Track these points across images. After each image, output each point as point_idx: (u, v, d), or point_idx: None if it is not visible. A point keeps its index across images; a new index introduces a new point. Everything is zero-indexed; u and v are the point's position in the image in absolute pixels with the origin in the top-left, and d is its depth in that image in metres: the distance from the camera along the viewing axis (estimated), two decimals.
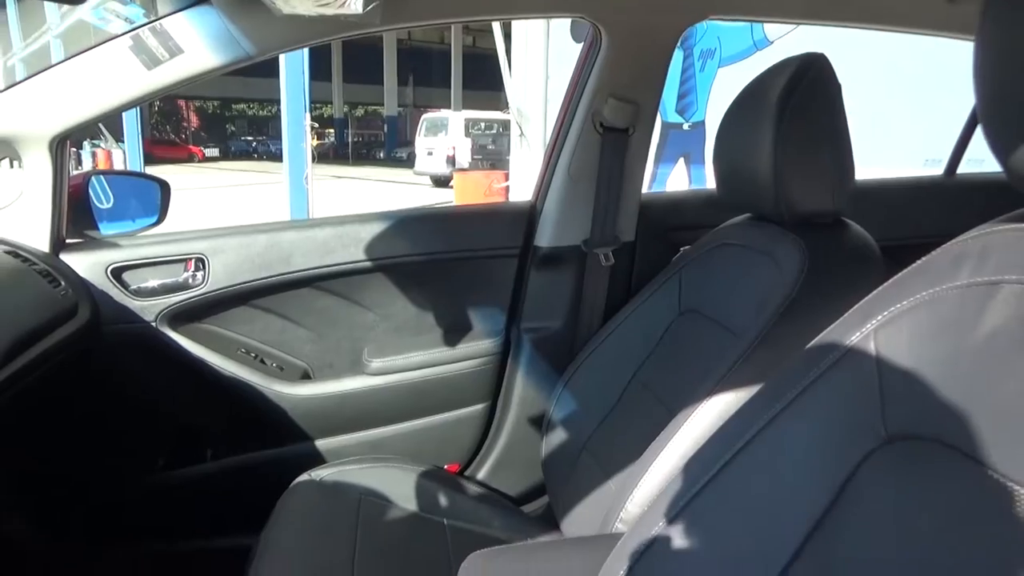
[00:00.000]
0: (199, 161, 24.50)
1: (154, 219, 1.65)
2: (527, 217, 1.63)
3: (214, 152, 27.86)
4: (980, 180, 1.74)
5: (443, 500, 1.43)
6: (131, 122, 14.02)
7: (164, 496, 1.60)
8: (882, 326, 0.56)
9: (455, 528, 1.36)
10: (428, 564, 1.25)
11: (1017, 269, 0.49)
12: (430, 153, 16.69)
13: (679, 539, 0.63)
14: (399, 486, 1.42)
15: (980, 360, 0.48)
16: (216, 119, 35.73)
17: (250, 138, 32.27)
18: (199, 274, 1.54)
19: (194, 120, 34.75)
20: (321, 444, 1.61)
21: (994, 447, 0.44)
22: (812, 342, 0.62)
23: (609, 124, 1.50)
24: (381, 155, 27.24)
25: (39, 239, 1.44)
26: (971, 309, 0.50)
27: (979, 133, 0.53)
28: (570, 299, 1.59)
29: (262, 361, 1.62)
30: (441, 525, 1.37)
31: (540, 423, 1.54)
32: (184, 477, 1.59)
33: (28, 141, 1.35)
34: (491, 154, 15.31)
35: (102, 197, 1.64)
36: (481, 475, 1.65)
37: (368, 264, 1.57)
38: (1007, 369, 0.46)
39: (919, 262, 0.57)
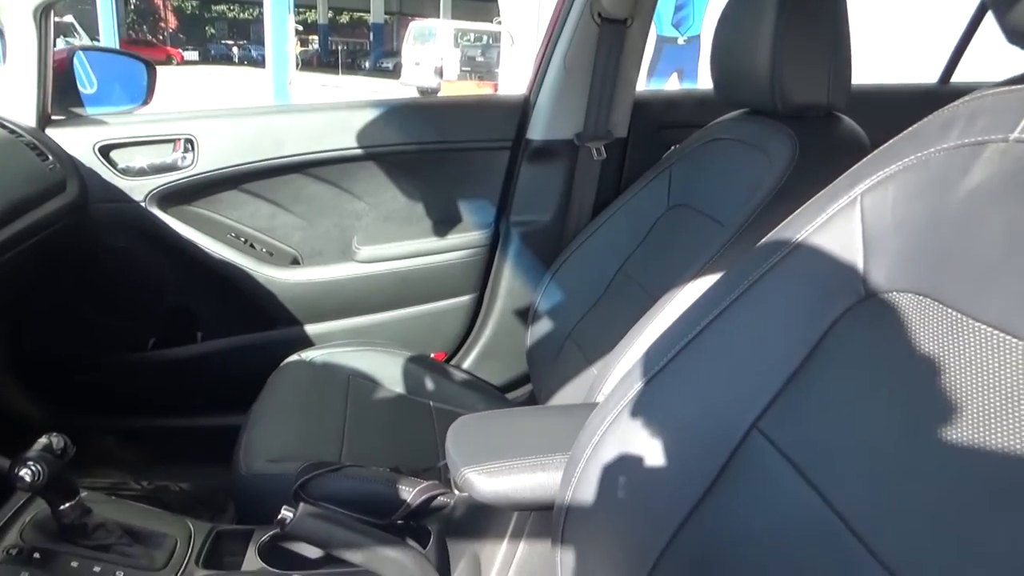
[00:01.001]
0: (177, 64, 23.68)
1: (140, 101, 1.62)
2: (520, 110, 1.62)
3: (193, 56, 26.89)
4: (974, 88, 1.73)
5: (429, 384, 1.47)
6: (107, 18, 13.49)
7: (156, 375, 1.63)
8: (869, 190, 0.58)
9: (440, 410, 1.41)
10: (414, 438, 1.30)
11: (1003, 128, 0.50)
12: (417, 64, 16.26)
13: (658, 393, 0.67)
14: (386, 369, 1.45)
15: (962, 215, 0.50)
16: (195, 20, 34.38)
17: (231, 42, 31.14)
18: (188, 155, 1.52)
19: (172, 20, 33.42)
20: (310, 329, 1.64)
21: (974, 297, 0.46)
22: (801, 208, 0.64)
23: (608, 15, 1.47)
24: (366, 65, 26.45)
25: (24, 113, 1.41)
26: (957, 168, 0.51)
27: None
28: (560, 193, 1.59)
29: (252, 246, 1.62)
30: (427, 407, 1.41)
31: (526, 315, 1.57)
32: (175, 357, 1.62)
33: (11, 8, 1.31)
34: (480, 66, 14.94)
35: (86, 82, 1.61)
36: (467, 364, 1.70)
37: (360, 152, 1.57)
38: (986, 222, 0.48)
39: (909, 128, 0.59)
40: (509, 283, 1.63)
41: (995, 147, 0.50)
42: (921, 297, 0.50)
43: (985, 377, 0.43)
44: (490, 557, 0.80)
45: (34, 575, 0.77)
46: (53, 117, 1.47)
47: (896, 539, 0.43)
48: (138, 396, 1.64)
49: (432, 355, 1.67)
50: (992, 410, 0.41)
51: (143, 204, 1.50)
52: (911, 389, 0.48)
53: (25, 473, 0.76)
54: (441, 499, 0.99)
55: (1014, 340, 0.42)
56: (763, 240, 0.66)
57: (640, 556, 0.62)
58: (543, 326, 1.48)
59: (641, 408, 0.67)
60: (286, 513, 0.78)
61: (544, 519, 0.78)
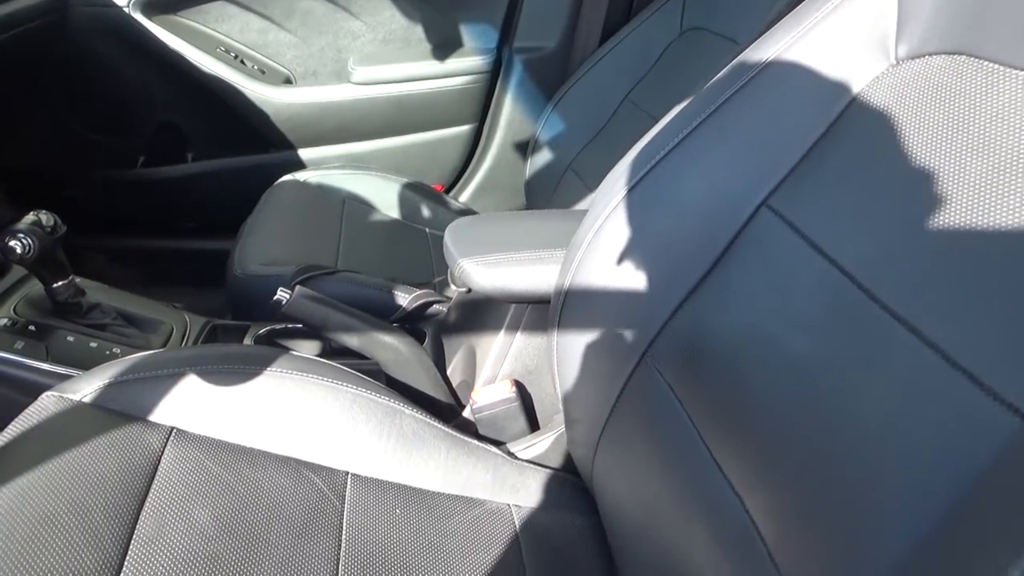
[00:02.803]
0: None
1: None
2: None
3: None
4: None
5: (426, 211, 1.45)
6: None
7: (146, 194, 1.60)
8: None
9: (436, 236, 1.39)
10: (409, 259, 1.29)
11: None
12: None
13: (665, 176, 0.64)
14: (383, 194, 1.43)
15: None
16: None
17: None
18: None
19: None
20: (303, 153, 1.60)
21: (1015, 46, 0.43)
22: None
23: None
24: None
25: None
26: None
27: None
28: (567, 17, 1.51)
29: (242, 62, 1.55)
30: (423, 232, 1.40)
31: (526, 148, 1.53)
32: (166, 176, 1.59)
33: None
34: None
35: None
36: (463, 198, 1.67)
37: None
38: None
39: None
40: (510, 113, 1.58)
41: None
42: (955, 56, 0.47)
43: (1020, 121, 0.41)
44: (486, 349, 0.81)
45: (30, 344, 0.77)
46: None
47: (904, 289, 0.42)
48: (128, 216, 1.61)
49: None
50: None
51: (126, 9, 1.41)
52: (936, 147, 0.46)
53: (15, 245, 0.75)
54: (436, 306, 1.00)
55: None
56: (788, 14, 0.62)
57: (635, 339, 0.62)
58: (543, 157, 1.45)
59: (646, 191, 0.65)
60: (282, 294, 0.78)
61: (541, 311, 0.78)
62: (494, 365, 0.80)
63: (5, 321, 0.79)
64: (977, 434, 0.34)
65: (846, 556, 0.38)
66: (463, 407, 0.83)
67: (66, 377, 0.66)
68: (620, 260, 0.64)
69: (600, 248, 0.66)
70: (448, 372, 0.87)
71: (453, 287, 0.83)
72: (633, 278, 0.63)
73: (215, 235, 1.59)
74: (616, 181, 0.68)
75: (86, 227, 1.62)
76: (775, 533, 0.44)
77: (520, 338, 0.79)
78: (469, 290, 0.82)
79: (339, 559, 0.58)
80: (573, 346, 0.68)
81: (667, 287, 0.60)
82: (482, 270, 0.75)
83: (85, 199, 1.58)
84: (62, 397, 0.63)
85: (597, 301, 0.66)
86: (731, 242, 0.57)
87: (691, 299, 0.59)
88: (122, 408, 0.64)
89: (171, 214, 1.63)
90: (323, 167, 1.46)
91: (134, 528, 0.55)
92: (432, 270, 1.25)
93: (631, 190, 0.66)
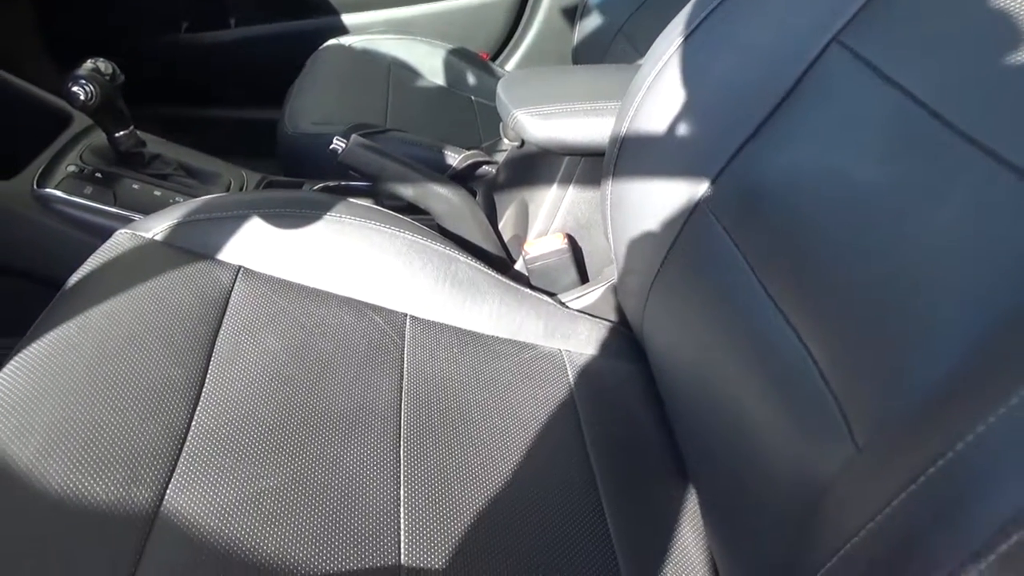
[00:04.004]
0: None
1: None
2: None
3: None
4: None
5: (471, 78, 1.43)
6: None
7: (190, 61, 1.59)
8: None
9: (482, 105, 1.38)
10: (456, 125, 1.28)
11: None
12: None
13: (729, 18, 0.63)
14: (427, 60, 1.41)
15: None
16: None
17: None
18: None
19: None
20: (346, 19, 1.56)
21: None
22: None
23: None
24: None
25: None
26: None
27: None
28: None
29: None
30: (469, 100, 1.38)
31: (574, 13, 1.48)
32: (209, 41, 1.57)
33: None
34: None
35: None
36: (509, 66, 1.64)
37: None
38: None
39: None
40: None
41: None
42: None
43: None
44: (538, 203, 0.81)
45: (97, 191, 0.80)
46: None
47: (979, 114, 0.42)
48: (173, 82, 1.61)
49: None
50: None
51: None
52: None
53: (78, 91, 0.76)
54: (485, 167, 1.00)
55: None
56: None
57: (692, 184, 0.62)
58: (592, 21, 1.40)
59: (708, 34, 0.63)
60: (338, 143, 0.79)
61: (594, 164, 0.78)
62: (546, 219, 0.81)
63: (73, 168, 0.81)
64: None
65: (895, 372, 0.39)
66: (514, 262, 0.85)
67: (134, 221, 0.69)
68: (679, 105, 0.63)
69: (658, 93, 0.65)
70: (500, 227, 0.88)
71: (506, 141, 0.83)
72: (692, 122, 0.63)
73: (261, 104, 1.59)
74: (675, 26, 0.66)
75: (131, 96, 1.63)
76: (829, 357, 0.45)
77: (572, 191, 0.79)
78: (522, 144, 0.81)
79: (402, 388, 0.62)
80: (628, 195, 0.69)
81: (727, 130, 0.60)
82: (537, 121, 0.74)
83: (130, 66, 1.58)
84: (135, 234, 0.66)
85: (654, 148, 0.66)
86: (798, 80, 0.56)
87: (752, 141, 0.58)
88: (191, 247, 0.67)
89: (216, 82, 1.62)
90: (367, 32, 1.43)
91: (212, 351, 0.58)
92: (479, 136, 1.25)
93: (692, 33, 0.64)
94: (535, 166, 0.83)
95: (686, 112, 0.63)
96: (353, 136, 0.79)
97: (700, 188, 0.61)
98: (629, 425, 0.67)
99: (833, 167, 0.50)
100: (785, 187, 0.54)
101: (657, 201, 0.66)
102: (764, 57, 0.59)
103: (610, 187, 0.70)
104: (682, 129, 0.63)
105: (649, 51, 0.67)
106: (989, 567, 0.25)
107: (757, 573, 0.46)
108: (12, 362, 0.53)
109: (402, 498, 0.53)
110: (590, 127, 0.74)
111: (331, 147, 0.79)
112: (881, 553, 0.30)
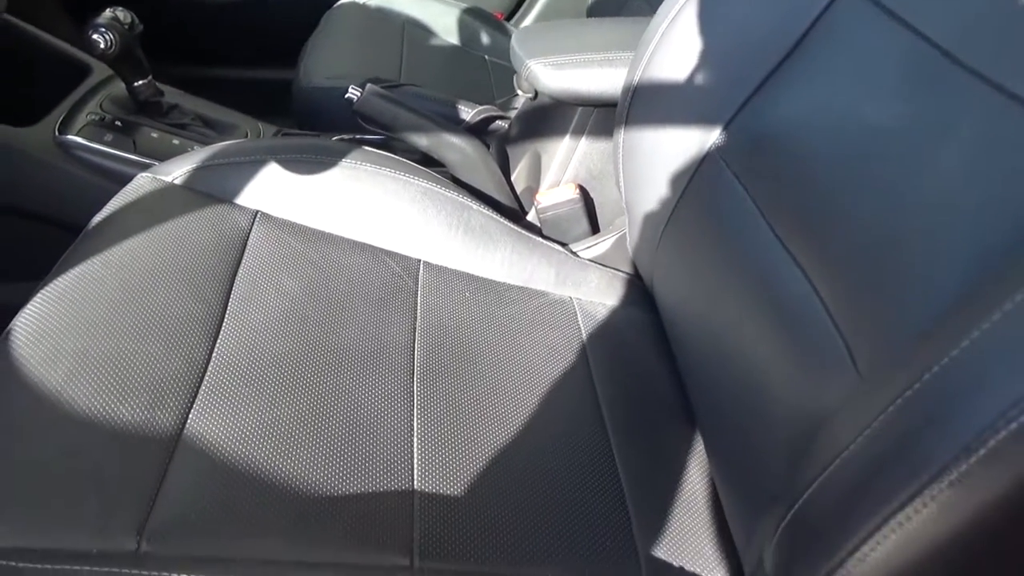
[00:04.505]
0: None
1: None
2: None
3: None
4: None
5: (485, 38, 1.42)
6: None
7: (202, 18, 1.59)
8: None
9: (496, 64, 1.38)
10: (471, 85, 1.28)
11: None
12: None
13: None
14: (442, 19, 1.40)
15: None
16: None
17: None
18: None
19: None
20: None
21: None
22: None
23: None
24: None
25: None
26: None
27: None
28: None
29: None
30: (483, 59, 1.38)
31: None
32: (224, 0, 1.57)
33: None
34: None
35: None
36: (524, 26, 1.63)
37: None
38: None
39: None
40: None
41: None
42: None
43: None
44: (551, 154, 0.82)
45: (117, 139, 0.81)
46: None
47: (990, 52, 0.42)
48: (187, 41, 1.61)
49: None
50: None
51: None
52: None
53: (98, 39, 0.77)
54: (498, 122, 1.00)
55: None
56: None
57: (704, 132, 0.62)
58: None
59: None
60: (353, 92, 0.79)
61: (606, 115, 0.78)
62: (558, 170, 0.81)
63: (94, 116, 0.83)
64: None
65: (899, 304, 0.40)
66: (527, 213, 0.86)
67: (154, 166, 0.70)
68: (692, 52, 0.64)
69: (671, 42, 0.66)
70: (512, 179, 0.89)
71: (519, 93, 0.84)
72: (705, 69, 0.63)
73: (276, 63, 1.59)
74: None
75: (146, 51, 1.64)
76: (834, 294, 0.46)
77: (585, 143, 0.80)
78: (535, 96, 0.82)
79: (415, 328, 0.63)
80: (640, 144, 0.69)
81: (740, 76, 0.60)
82: (550, 71, 0.75)
83: (146, 19, 1.58)
84: (155, 178, 0.68)
85: (666, 96, 0.66)
86: (811, 25, 0.56)
87: (764, 87, 0.58)
88: (209, 190, 0.68)
89: (230, 41, 1.62)
90: None
91: (231, 289, 0.60)
92: (492, 95, 1.25)
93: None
94: (548, 118, 0.83)
95: (699, 60, 0.63)
96: (368, 85, 0.79)
97: (712, 135, 0.62)
98: (637, 369, 0.69)
99: (844, 110, 0.51)
100: (796, 130, 0.55)
101: (669, 149, 0.66)
102: (777, 3, 0.59)
103: (622, 136, 0.71)
104: (695, 77, 0.63)
105: (660, 7, 0.67)
106: (979, 460, 0.26)
107: (758, 502, 0.48)
108: (39, 295, 0.55)
109: (416, 429, 0.55)
110: (604, 77, 0.74)
111: (346, 96, 0.80)
112: (873, 457, 0.31)
